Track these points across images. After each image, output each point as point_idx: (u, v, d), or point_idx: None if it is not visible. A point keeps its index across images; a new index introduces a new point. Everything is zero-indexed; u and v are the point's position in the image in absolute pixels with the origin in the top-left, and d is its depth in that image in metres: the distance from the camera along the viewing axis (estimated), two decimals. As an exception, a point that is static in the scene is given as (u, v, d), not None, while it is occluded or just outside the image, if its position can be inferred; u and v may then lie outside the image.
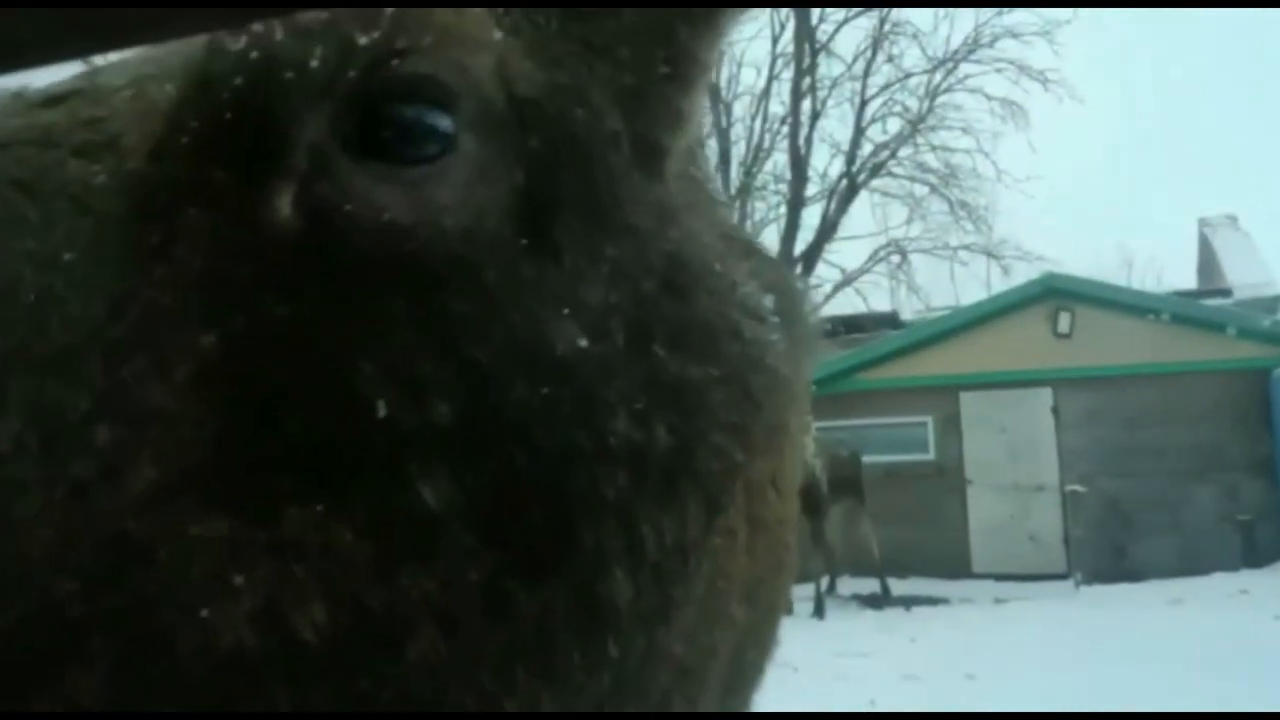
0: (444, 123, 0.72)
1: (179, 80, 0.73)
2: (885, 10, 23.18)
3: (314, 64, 0.69)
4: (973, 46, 25.03)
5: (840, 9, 23.50)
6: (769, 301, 0.91)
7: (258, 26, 0.69)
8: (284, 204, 0.69)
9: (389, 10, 0.70)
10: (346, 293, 0.70)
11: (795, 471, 1.03)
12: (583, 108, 0.79)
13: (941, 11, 24.26)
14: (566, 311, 0.74)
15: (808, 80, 25.18)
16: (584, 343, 0.74)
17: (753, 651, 0.99)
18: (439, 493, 0.68)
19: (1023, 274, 23.23)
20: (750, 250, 0.98)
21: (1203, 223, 25.44)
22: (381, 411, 0.68)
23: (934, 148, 25.62)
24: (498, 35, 0.77)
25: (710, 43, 0.88)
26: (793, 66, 25.27)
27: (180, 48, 0.75)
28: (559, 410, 0.73)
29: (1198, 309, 17.43)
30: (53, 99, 0.76)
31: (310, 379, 0.68)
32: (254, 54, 0.69)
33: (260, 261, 0.69)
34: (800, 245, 24.77)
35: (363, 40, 0.69)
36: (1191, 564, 15.54)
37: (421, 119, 0.72)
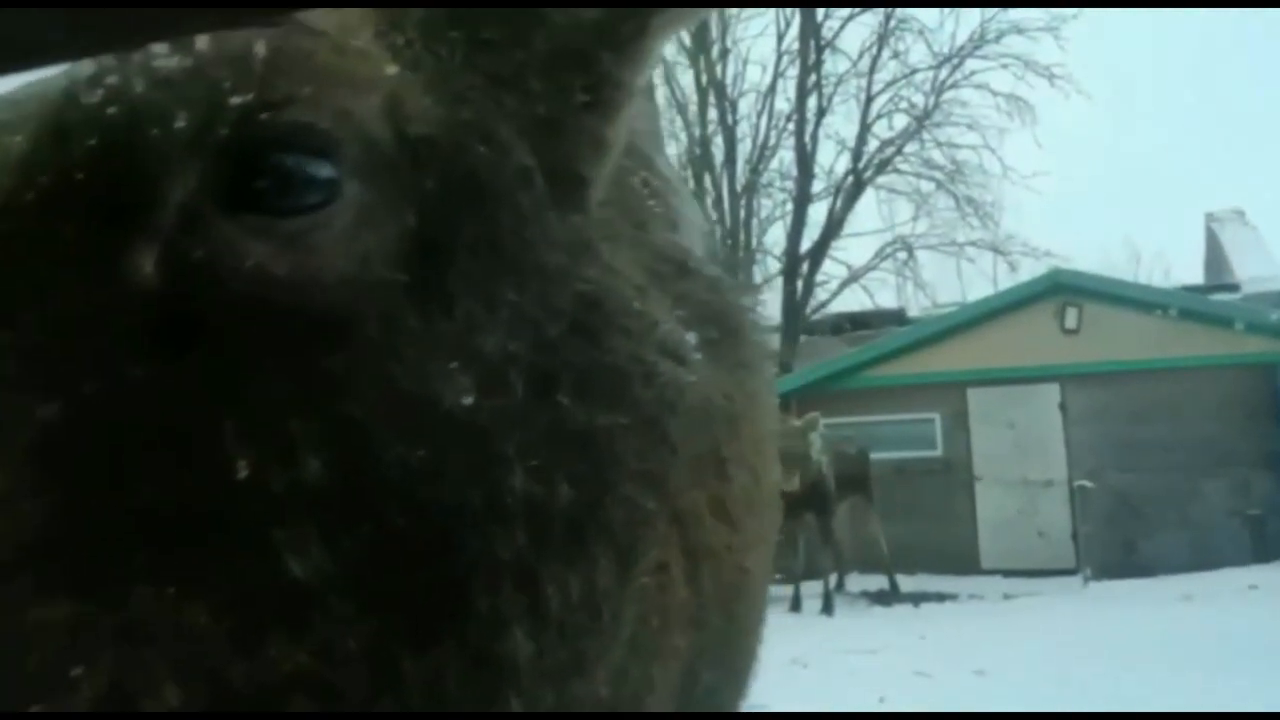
0: (325, 171, 0.69)
1: (31, 131, 0.69)
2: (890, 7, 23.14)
3: (179, 123, 0.65)
4: (979, 42, 24.98)
5: (844, 7, 23.48)
6: (692, 338, 0.87)
7: (113, 79, 0.66)
8: (145, 262, 0.66)
9: (264, 56, 0.67)
10: (209, 352, 0.66)
11: (755, 494, 1.00)
12: (486, 144, 0.75)
13: (947, 8, 24.23)
14: (455, 364, 0.71)
15: (813, 77, 25.15)
16: (473, 397, 0.71)
17: (710, 673, 0.95)
18: (309, 560, 0.65)
19: (1029, 270, 23.23)
20: (685, 270, 0.93)
21: (1210, 217, 25.36)
22: (242, 473, 0.64)
23: (940, 144, 25.59)
24: (392, 71, 0.73)
25: (637, 66, 0.84)
26: (798, 63, 25.26)
27: (37, 92, 0.71)
28: (446, 468, 0.69)
29: (1205, 304, 17.39)
30: None
31: (166, 445, 0.64)
32: (112, 109, 0.66)
33: (116, 323, 0.65)
34: (807, 242, 24.79)
35: (234, 93, 0.66)
36: (1201, 559, 15.51)
37: (300, 168, 0.68)
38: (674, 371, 0.83)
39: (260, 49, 0.67)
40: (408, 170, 0.72)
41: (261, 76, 0.67)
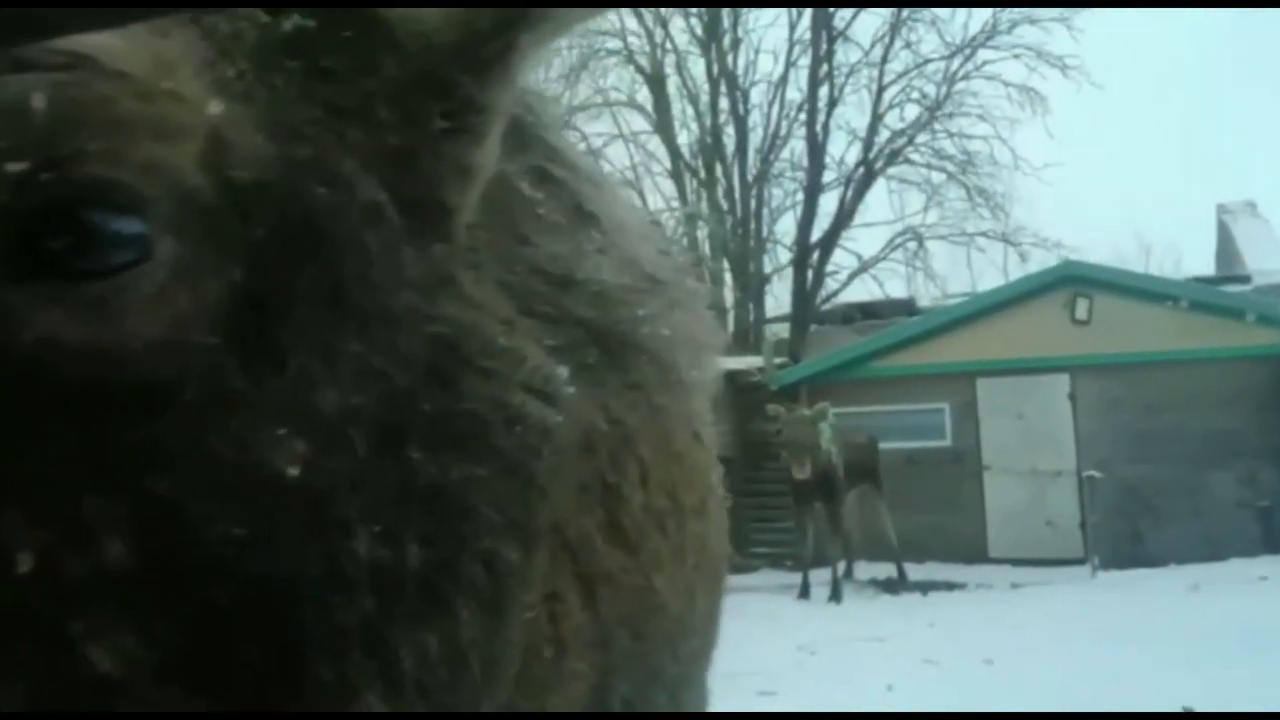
0: (132, 227, 0.62)
1: None
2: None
3: None
4: (991, 33, 24.85)
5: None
6: (564, 371, 0.82)
7: None
8: None
9: (45, 109, 0.60)
10: None
11: (668, 511, 0.99)
12: (325, 183, 0.69)
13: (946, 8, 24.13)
14: (284, 431, 0.65)
15: (825, 67, 25.07)
16: (299, 468, 0.65)
17: (626, 687, 0.95)
18: (116, 651, 0.60)
19: (1040, 261, 23.21)
20: (567, 283, 0.88)
21: (1221, 209, 25.22)
22: (25, 564, 0.59)
23: (951, 134, 25.51)
24: (215, 110, 0.66)
25: (504, 86, 0.77)
26: (810, 53, 25.20)
27: None
28: (276, 539, 0.65)
29: (1216, 295, 17.35)
30: None
31: None
32: None
33: None
34: (817, 232, 24.76)
35: (10, 154, 0.59)
36: (1209, 550, 15.49)
37: (102, 227, 0.61)
38: (541, 412, 0.78)
39: (39, 102, 0.60)
40: (233, 219, 0.66)
41: (44, 132, 0.60)
